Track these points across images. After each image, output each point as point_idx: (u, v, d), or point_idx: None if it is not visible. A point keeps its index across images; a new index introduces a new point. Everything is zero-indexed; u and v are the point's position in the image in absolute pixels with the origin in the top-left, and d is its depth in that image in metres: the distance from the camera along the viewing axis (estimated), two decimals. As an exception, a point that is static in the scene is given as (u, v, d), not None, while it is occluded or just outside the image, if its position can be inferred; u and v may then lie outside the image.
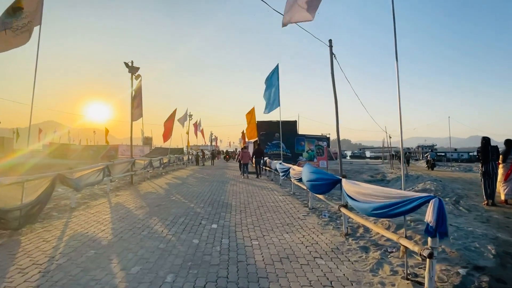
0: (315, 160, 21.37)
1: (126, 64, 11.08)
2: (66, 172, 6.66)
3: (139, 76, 11.49)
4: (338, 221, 6.13)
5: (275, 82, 11.97)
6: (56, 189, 7.72)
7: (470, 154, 65.63)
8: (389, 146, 29.43)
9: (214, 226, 5.62)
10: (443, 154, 73.56)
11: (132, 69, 11.11)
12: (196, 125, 33.30)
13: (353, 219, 5.02)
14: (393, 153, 35.23)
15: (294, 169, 8.44)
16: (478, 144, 8.77)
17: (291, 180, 9.59)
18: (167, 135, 19.33)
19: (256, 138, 21.84)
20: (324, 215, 6.49)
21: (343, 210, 5.04)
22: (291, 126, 22.71)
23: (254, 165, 15.99)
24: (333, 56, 5.64)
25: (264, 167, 17.20)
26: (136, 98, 12.57)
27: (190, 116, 26.56)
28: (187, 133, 32.09)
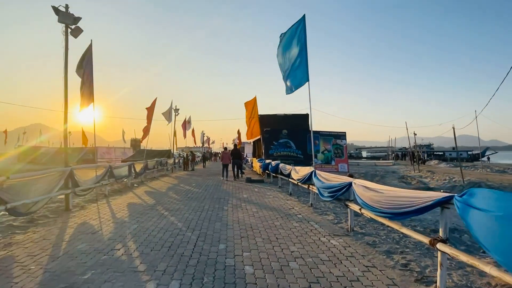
0: (333, 163, 17.11)
1: (55, 9, 6.55)
2: None
3: (79, 31, 6.95)
4: None
5: (301, 43, 7.60)
6: None
7: (469, 153, 63.36)
8: (413, 144, 25.34)
9: None
10: (441, 153, 71.61)
11: (65, 18, 6.57)
12: (185, 124, 28.76)
13: None
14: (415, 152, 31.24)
15: (370, 189, 4.04)
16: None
17: (347, 206, 5.22)
18: (145, 132, 14.81)
19: (259, 136, 17.51)
20: None
21: None
22: (301, 120, 18.42)
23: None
24: None
25: (274, 174, 12.93)
26: (83, 73, 8.08)
27: (177, 111, 21.96)
28: (175, 132, 27.51)
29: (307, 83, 7.54)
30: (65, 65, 6.79)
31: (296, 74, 7.76)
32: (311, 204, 7.57)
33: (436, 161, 45.12)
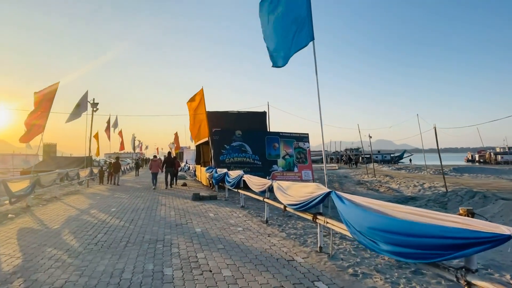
0: (296, 169, 14.55)
1: None
2: None
3: None
4: None
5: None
6: None
7: (392, 155, 70.66)
8: (362, 146, 24.67)
9: None
10: (368, 156, 78.16)
11: None
12: (109, 123, 23.33)
13: None
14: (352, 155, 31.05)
15: None
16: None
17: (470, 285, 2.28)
18: (33, 131, 9.97)
19: (207, 138, 13.96)
20: None
21: None
22: (258, 119, 15.52)
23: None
24: None
25: (232, 188, 9.66)
26: None
27: (95, 105, 16.88)
28: (96, 135, 21.95)
29: (312, 42, 4.55)
30: None
31: (295, 33, 4.68)
32: (320, 247, 4.50)
33: (375, 164, 47.29)
